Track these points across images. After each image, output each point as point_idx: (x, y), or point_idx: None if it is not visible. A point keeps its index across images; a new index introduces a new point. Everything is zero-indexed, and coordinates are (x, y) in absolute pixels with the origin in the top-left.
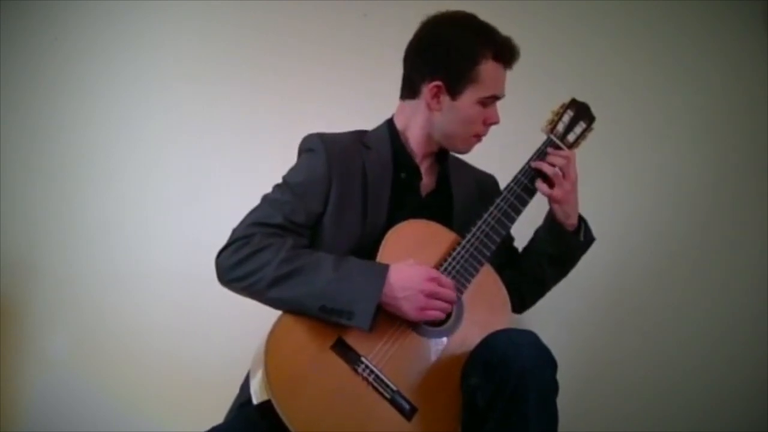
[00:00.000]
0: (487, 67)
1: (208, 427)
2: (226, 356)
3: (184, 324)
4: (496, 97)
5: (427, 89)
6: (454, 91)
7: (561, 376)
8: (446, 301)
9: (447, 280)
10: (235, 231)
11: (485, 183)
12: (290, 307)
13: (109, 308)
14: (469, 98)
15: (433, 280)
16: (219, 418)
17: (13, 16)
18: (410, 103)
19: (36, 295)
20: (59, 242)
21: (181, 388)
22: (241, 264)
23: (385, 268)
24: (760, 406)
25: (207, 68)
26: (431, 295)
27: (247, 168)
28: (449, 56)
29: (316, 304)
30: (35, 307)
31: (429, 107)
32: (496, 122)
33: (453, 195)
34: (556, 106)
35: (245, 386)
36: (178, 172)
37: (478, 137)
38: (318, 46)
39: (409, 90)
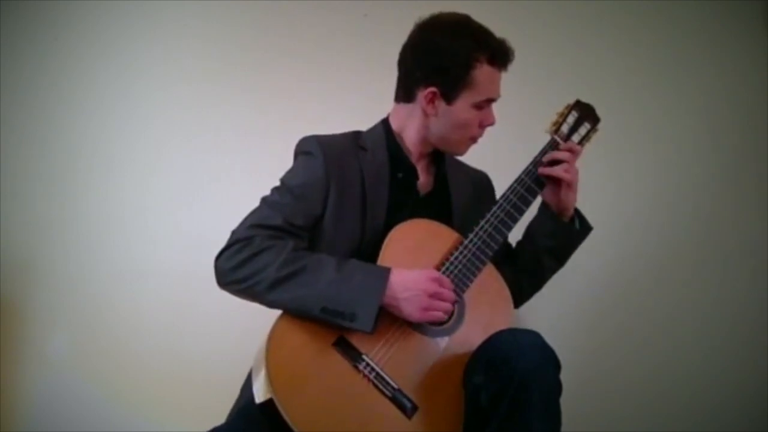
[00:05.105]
0: (482, 72)
1: (209, 428)
2: (226, 356)
3: (184, 323)
4: (491, 100)
5: (422, 95)
6: (449, 97)
7: (562, 376)
8: (448, 301)
9: (447, 280)
10: (234, 233)
11: (480, 181)
12: (291, 309)
13: (109, 308)
14: (464, 103)
15: (435, 280)
16: (219, 418)
17: (13, 16)
18: (405, 106)
19: (36, 295)
20: (59, 242)
21: (181, 388)
22: (242, 266)
23: (387, 269)
24: (760, 406)
25: (207, 68)
26: (434, 296)
27: (247, 168)
28: (444, 62)
29: (317, 305)
30: (35, 307)
31: (425, 112)
32: (491, 124)
33: (451, 194)
34: (561, 107)
35: (245, 388)
36: (178, 172)
37: (473, 139)
38: (318, 46)
39: (405, 94)
